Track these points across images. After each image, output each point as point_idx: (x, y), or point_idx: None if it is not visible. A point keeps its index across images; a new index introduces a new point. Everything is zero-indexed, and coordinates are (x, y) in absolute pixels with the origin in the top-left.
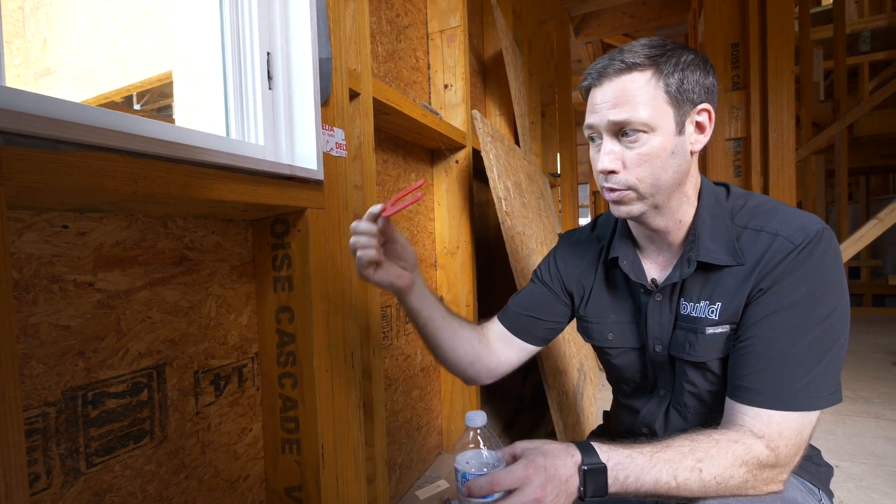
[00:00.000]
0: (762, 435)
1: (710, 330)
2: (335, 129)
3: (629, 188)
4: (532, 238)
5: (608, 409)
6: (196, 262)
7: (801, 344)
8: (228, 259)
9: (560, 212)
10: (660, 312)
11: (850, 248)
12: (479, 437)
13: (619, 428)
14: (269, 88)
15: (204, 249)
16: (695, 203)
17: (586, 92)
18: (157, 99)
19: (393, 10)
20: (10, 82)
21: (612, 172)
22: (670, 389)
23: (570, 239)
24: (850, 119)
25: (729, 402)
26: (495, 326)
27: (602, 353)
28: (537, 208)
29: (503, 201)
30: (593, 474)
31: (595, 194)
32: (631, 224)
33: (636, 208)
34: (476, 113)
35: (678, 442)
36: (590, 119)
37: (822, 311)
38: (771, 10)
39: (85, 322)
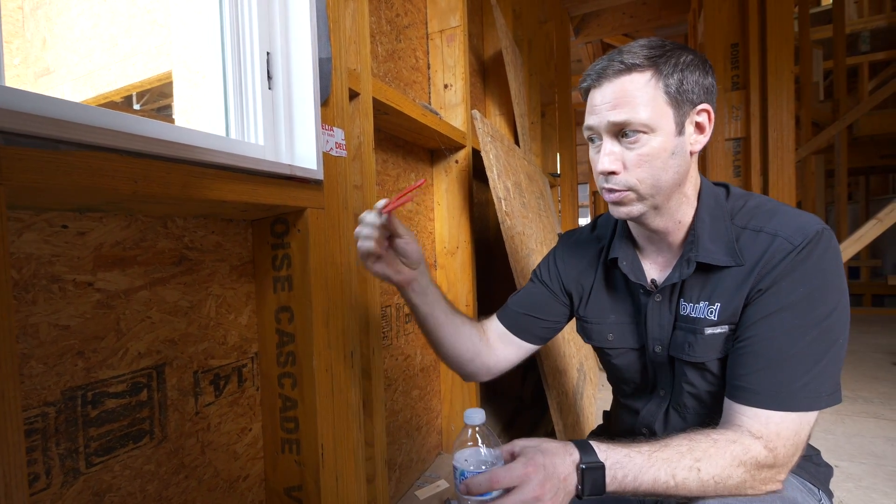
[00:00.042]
0: (760, 435)
1: (709, 330)
2: (335, 128)
3: (629, 189)
4: (532, 238)
5: (608, 409)
6: (196, 262)
7: (800, 344)
8: (228, 259)
9: (560, 212)
10: (659, 313)
11: (850, 248)
12: (477, 435)
13: (619, 428)
14: (269, 88)
15: (204, 249)
16: (694, 203)
17: (586, 93)
18: (156, 99)
19: (393, 9)
20: (10, 82)
21: (613, 173)
22: (670, 390)
23: (570, 239)
24: (849, 119)
25: (727, 402)
26: (494, 325)
27: (602, 354)
28: (537, 208)
29: (503, 201)
30: (591, 473)
31: (595, 194)
32: (631, 225)
33: (636, 209)
34: (476, 113)
35: (676, 441)
36: (589, 120)
37: (821, 311)
38: (770, 10)
39: (84, 322)
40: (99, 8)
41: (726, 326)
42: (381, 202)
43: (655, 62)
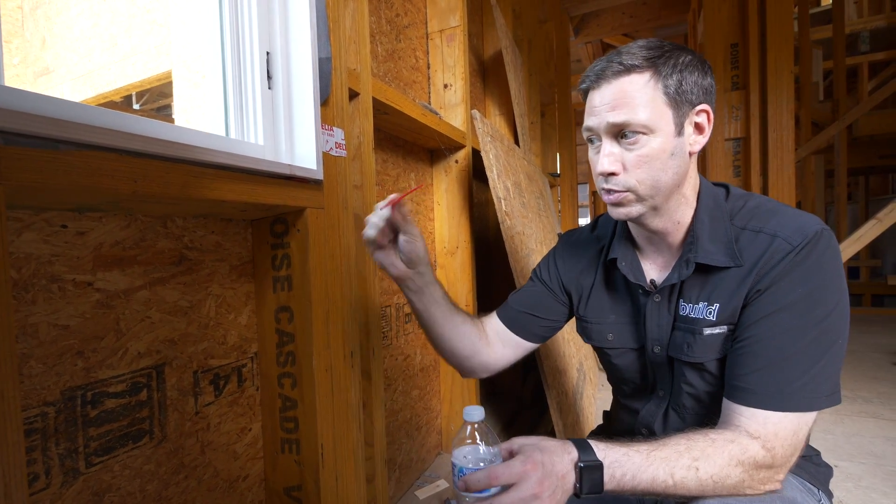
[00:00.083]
0: (758, 435)
1: (707, 331)
2: (335, 128)
3: (628, 190)
4: (531, 238)
5: (608, 408)
6: (195, 262)
7: (799, 345)
8: (228, 259)
9: (559, 212)
10: (658, 313)
11: (849, 248)
12: (476, 433)
13: (619, 428)
14: (269, 88)
15: (203, 249)
16: (693, 204)
17: (585, 94)
18: (156, 98)
19: (392, 9)
20: (9, 82)
21: (612, 174)
22: (669, 390)
23: (570, 239)
24: (849, 119)
25: (725, 402)
26: (494, 322)
27: (602, 354)
28: (537, 208)
29: (503, 201)
30: (590, 471)
31: (594, 194)
32: (630, 225)
33: (635, 210)
34: (476, 113)
35: (674, 441)
36: (588, 121)
37: (820, 312)
38: (770, 11)
39: (84, 322)
40: (98, 7)
41: (725, 327)
42: (394, 196)
43: (654, 63)
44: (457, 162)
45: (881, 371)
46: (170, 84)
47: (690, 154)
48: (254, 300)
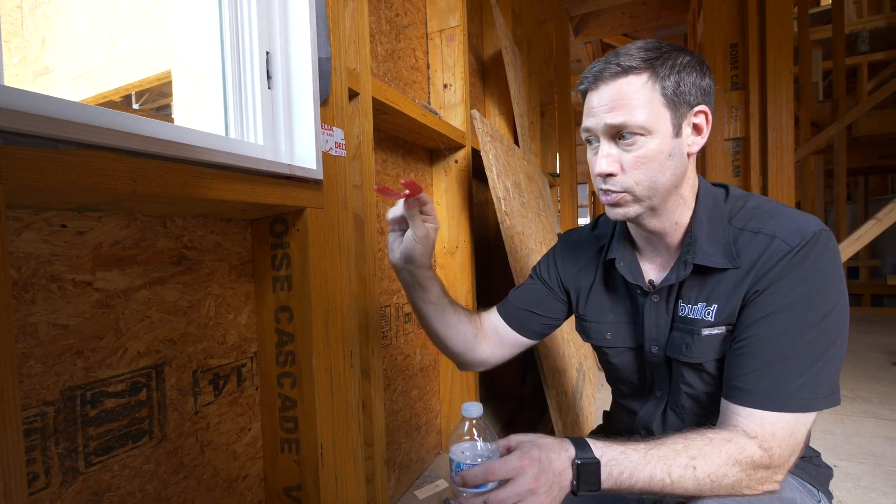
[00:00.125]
0: (755, 435)
1: (706, 331)
2: (334, 128)
3: (626, 191)
4: (531, 238)
5: (608, 408)
6: (195, 262)
7: (797, 345)
8: (227, 258)
9: (559, 212)
10: (656, 313)
11: (849, 248)
12: (474, 429)
13: (619, 428)
14: (269, 88)
15: (203, 249)
16: (692, 205)
17: (583, 95)
18: (155, 98)
19: (392, 9)
20: (9, 81)
21: (610, 175)
22: (667, 391)
23: (570, 238)
24: (848, 119)
25: (724, 402)
26: (494, 318)
27: (600, 353)
28: (536, 208)
29: (502, 201)
30: (587, 469)
31: (594, 194)
32: (629, 226)
33: (633, 210)
34: (475, 112)
35: (672, 440)
36: (587, 122)
37: (819, 312)
38: (770, 11)
39: (84, 321)
40: (98, 7)
41: (724, 327)
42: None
43: (652, 64)
44: (456, 162)
45: (881, 371)
46: (169, 84)
47: (688, 155)
48: (253, 300)
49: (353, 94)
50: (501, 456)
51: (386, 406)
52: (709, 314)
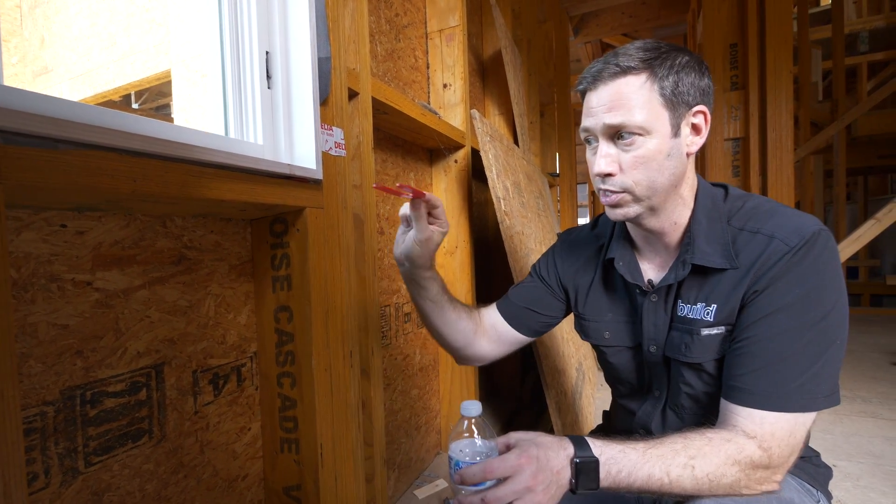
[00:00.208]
0: (754, 435)
1: (705, 331)
2: (334, 128)
3: (625, 191)
4: (531, 238)
5: (607, 408)
6: (195, 262)
7: (796, 346)
8: (227, 258)
9: (559, 211)
10: (655, 313)
11: (848, 248)
12: (473, 427)
13: (618, 428)
14: (268, 87)
15: (203, 249)
16: (691, 205)
17: (582, 95)
18: (155, 98)
19: (392, 9)
20: (8, 81)
21: (609, 175)
22: (665, 391)
23: (570, 237)
24: (848, 119)
25: (723, 402)
26: (493, 315)
27: (599, 352)
28: (536, 208)
29: (502, 201)
30: (585, 467)
31: (594, 194)
32: (628, 225)
33: (632, 210)
34: (475, 112)
35: (671, 439)
36: (586, 122)
37: (818, 313)
38: (769, 11)
39: (83, 321)
40: (97, 6)
41: (723, 327)
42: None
43: (651, 64)
44: (456, 162)
45: (880, 371)
46: (169, 83)
47: (687, 155)
48: (253, 300)
49: (352, 94)
50: (501, 453)
51: (385, 406)
52: (708, 314)
